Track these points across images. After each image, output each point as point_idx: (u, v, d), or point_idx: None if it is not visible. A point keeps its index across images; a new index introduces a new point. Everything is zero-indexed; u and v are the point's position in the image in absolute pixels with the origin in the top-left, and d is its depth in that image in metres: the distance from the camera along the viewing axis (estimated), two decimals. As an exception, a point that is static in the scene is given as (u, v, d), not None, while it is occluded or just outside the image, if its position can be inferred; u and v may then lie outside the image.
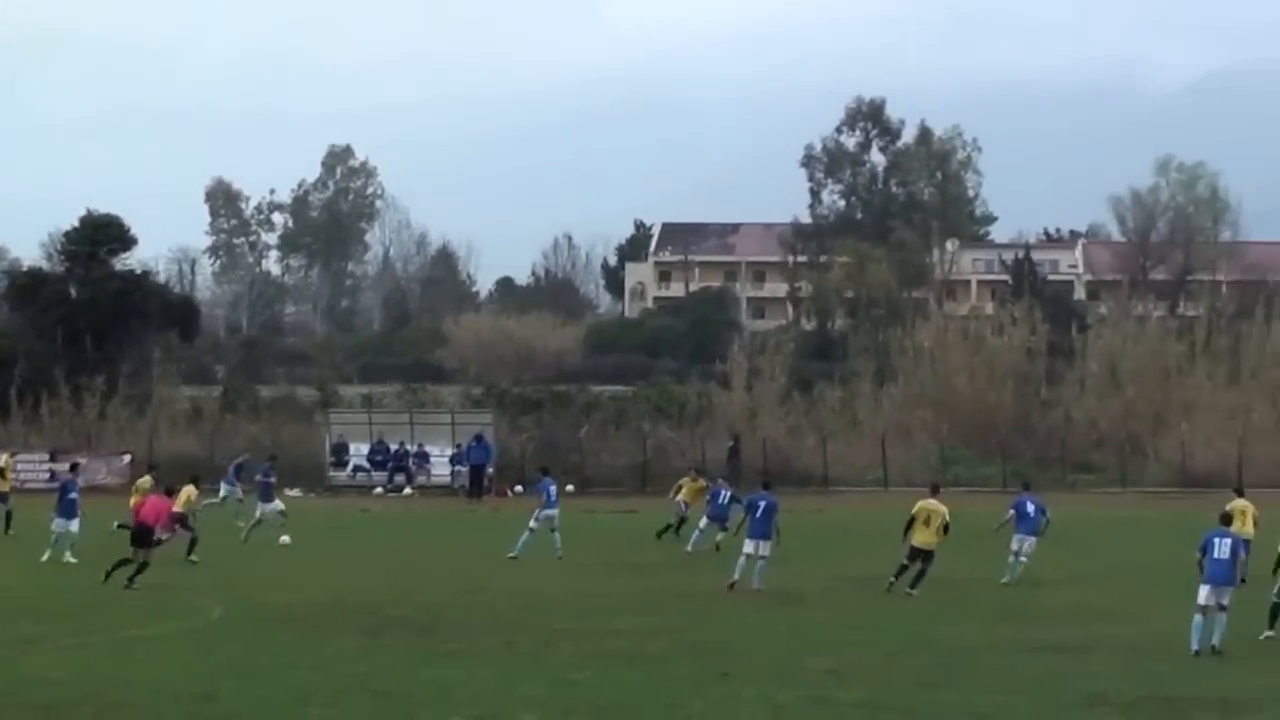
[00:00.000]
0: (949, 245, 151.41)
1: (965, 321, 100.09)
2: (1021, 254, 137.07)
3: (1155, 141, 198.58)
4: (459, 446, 78.14)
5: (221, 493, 56.78)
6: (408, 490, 77.57)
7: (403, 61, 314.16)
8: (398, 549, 51.01)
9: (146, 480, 47.93)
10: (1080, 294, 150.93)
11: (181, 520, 43.63)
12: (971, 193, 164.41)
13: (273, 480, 52.26)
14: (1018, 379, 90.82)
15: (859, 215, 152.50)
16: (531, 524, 45.75)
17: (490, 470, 76.01)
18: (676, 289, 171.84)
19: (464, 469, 76.76)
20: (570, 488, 77.74)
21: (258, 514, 50.82)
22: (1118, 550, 49.16)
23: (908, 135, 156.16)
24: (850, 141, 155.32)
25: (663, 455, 79.90)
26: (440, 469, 79.78)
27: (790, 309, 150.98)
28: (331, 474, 79.73)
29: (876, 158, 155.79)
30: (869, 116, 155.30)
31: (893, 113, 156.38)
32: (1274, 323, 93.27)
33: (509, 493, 74.06)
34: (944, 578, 40.93)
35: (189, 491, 45.19)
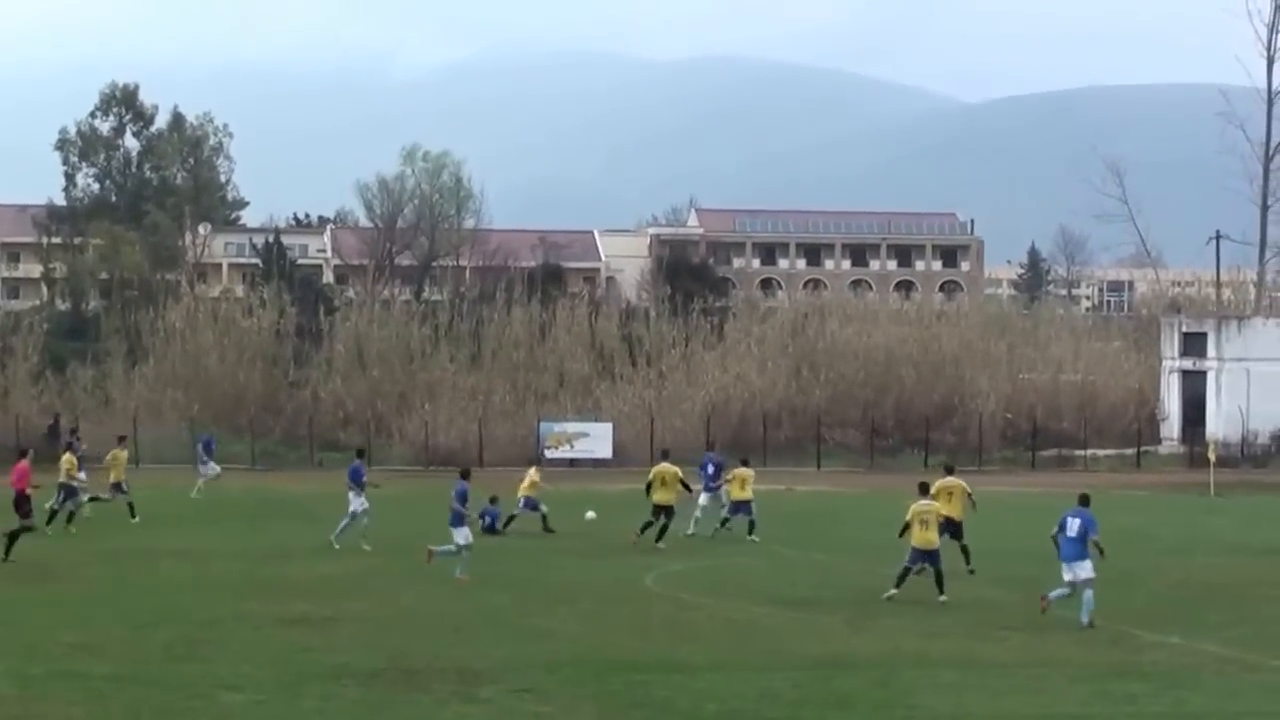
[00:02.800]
0: (201, 229, 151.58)
1: (217, 303, 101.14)
2: (272, 238, 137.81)
3: (403, 130, 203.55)
4: None
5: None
6: None
7: None
8: None
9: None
10: (329, 278, 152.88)
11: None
12: (224, 178, 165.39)
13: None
14: (267, 360, 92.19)
15: (113, 198, 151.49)
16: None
17: None
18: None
19: None
20: None
21: None
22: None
23: (161, 121, 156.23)
24: (105, 126, 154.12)
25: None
26: None
27: (44, 290, 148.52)
28: None
29: (131, 142, 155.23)
30: (123, 102, 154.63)
31: (146, 99, 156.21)
32: (514, 307, 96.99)
33: None
34: (187, 549, 41.16)
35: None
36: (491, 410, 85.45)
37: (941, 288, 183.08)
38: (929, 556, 35.11)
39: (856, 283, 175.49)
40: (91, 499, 50.77)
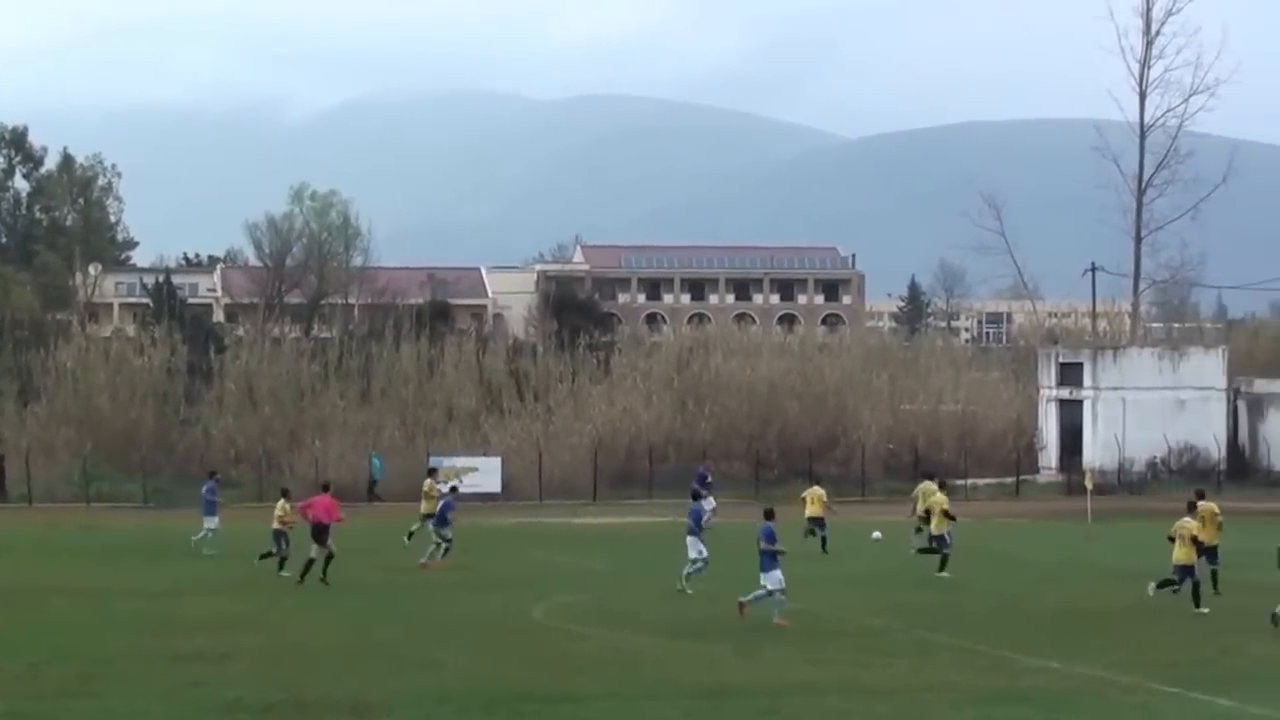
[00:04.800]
0: (92, 269, 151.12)
1: (108, 343, 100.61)
2: (162, 278, 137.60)
3: (293, 171, 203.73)
4: None
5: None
6: None
7: None
8: None
9: None
10: (220, 317, 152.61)
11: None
12: (114, 218, 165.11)
13: None
14: (158, 398, 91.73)
15: (3, 239, 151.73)
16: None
17: None
18: None
19: None
20: None
21: None
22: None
23: (50, 162, 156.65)
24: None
25: None
26: None
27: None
28: None
29: (20, 184, 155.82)
30: (12, 144, 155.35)
31: (35, 140, 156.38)
32: (403, 344, 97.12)
33: None
34: (81, 587, 41.15)
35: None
36: (381, 445, 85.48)
37: (824, 321, 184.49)
38: (1185, 571, 38.47)
39: (740, 317, 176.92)
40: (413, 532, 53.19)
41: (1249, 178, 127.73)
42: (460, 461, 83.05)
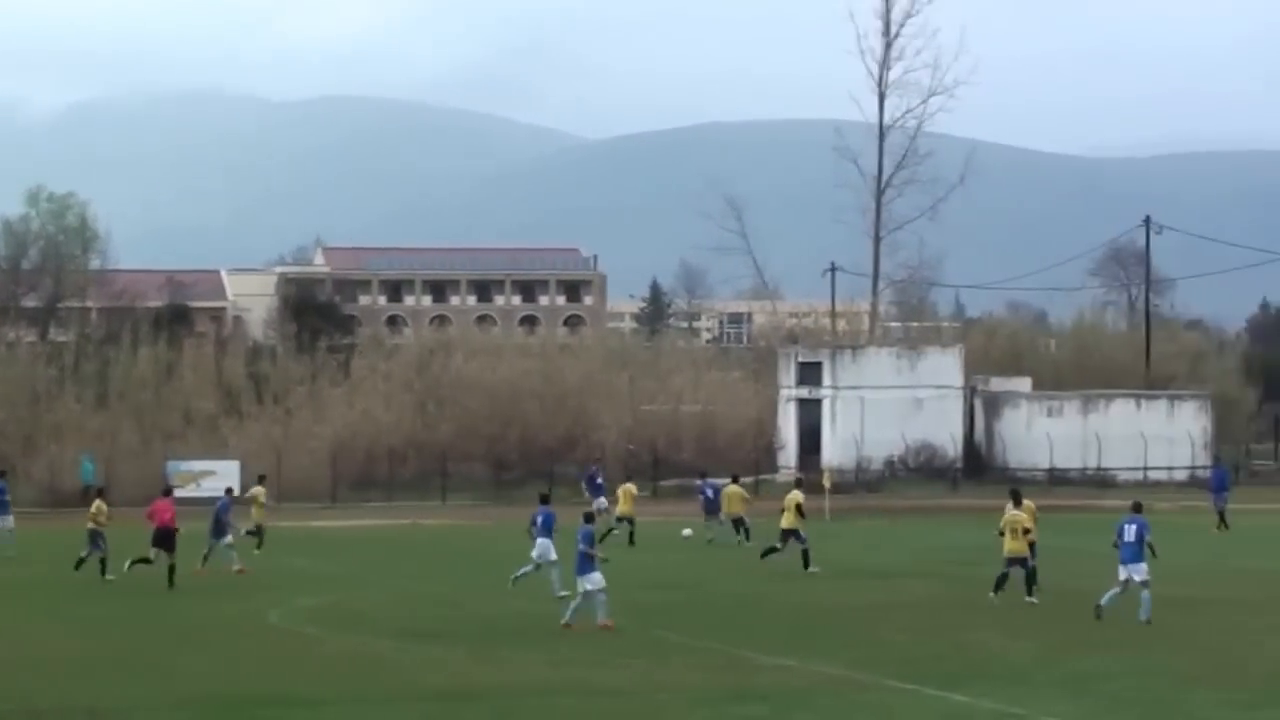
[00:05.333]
0: None
1: None
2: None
3: (29, 173, 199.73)
4: None
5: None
6: None
7: None
8: None
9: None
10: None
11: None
12: None
13: None
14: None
15: None
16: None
17: None
18: None
19: None
20: None
21: None
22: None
23: None
24: None
25: None
26: None
27: None
28: None
29: None
30: None
31: None
32: (141, 347, 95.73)
33: None
34: None
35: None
36: (119, 450, 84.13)
37: (565, 322, 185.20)
38: (1017, 562, 39.30)
39: (482, 318, 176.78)
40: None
41: (986, 178, 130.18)
42: (198, 465, 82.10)
